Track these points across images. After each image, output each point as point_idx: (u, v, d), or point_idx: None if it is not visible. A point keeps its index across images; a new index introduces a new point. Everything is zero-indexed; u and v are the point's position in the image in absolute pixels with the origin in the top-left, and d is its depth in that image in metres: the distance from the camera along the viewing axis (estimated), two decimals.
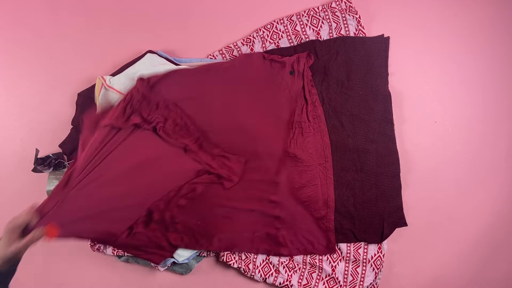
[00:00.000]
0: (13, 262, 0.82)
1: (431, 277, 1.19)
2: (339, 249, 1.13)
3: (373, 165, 1.14)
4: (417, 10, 1.21)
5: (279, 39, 1.18)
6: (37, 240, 0.86)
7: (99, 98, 1.10)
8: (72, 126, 1.14)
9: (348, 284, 1.12)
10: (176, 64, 1.15)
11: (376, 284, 1.12)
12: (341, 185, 1.13)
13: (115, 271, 1.18)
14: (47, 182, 1.12)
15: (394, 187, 1.14)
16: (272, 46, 1.18)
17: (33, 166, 1.10)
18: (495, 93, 1.20)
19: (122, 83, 1.12)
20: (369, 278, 1.11)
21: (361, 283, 1.11)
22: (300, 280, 1.13)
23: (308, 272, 1.13)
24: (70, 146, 1.14)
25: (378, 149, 1.14)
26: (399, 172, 1.14)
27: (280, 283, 1.13)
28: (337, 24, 1.16)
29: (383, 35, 1.16)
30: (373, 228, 1.12)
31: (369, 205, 1.13)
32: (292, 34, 1.17)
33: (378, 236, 1.12)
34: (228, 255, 1.13)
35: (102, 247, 1.14)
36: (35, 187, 1.17)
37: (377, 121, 1.15)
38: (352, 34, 1.16)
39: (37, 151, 1.08)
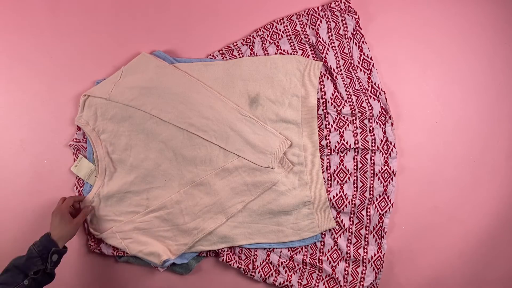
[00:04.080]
0: (69, 239, 0.97)
1: (431, 277, 1.19)
2: (339, 249, 1.13)
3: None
4: (417, 10, 1.21)
5: (279, 39, 1.17)
6: (88, 214, 1.08)
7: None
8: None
9: (348, 284, 1.12)
10: None
11: (376, 284, 1.12)
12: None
13: (115, 271, 1.18)
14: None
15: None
16: (272, 46, 1.18)
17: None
18: (495, 93, 1.20)
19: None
20: (369, 278, 1.11)
21: (361, 283, 1.11)
22: (300, 280, 1.13)
23: (308, 272, 1.13)
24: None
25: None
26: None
27: (280, 283, 1.13)
28: (336, 24, 1.16)
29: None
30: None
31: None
32: (292, 34, 1.17)
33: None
34: (228, 255, 1.13)
35: (102, 247, 1.14)
36: (35, 188, 1.17)
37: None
38: (350, 34, 1.16)
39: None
